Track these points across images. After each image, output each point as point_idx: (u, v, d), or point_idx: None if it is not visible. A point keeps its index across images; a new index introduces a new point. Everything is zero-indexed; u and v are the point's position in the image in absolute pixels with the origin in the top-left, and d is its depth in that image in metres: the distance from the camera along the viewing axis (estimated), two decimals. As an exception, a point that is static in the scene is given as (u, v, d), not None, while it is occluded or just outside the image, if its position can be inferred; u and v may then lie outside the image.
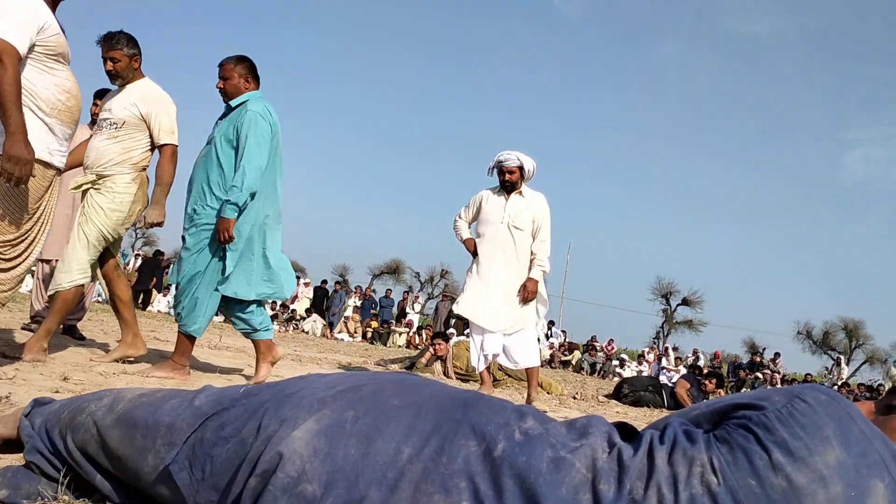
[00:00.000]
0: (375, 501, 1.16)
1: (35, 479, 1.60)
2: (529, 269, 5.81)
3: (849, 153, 62.98)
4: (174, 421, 1.45)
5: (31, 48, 3.23)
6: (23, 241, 3.38)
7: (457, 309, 6.03)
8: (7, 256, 3.32)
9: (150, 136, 4.56)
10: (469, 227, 6.15)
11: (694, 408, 1.26)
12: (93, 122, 6.05)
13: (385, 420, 1.28)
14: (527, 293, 5.72)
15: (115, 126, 4.50)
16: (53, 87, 3.38)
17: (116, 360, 4.63)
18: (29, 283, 19.16)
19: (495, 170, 5.93)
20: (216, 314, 4.61)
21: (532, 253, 5.81)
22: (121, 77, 4.54)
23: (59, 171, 3.54)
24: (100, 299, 18.46)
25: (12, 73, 3.09)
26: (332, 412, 1.31)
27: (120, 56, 4.49)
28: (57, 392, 3.20)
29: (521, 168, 5.84)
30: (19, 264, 3.38)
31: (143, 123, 4.51)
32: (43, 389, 3.21)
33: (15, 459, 1.85)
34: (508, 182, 5.87)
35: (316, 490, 1.21)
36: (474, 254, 5.97)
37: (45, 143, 3.36)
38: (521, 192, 5.91)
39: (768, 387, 19.61)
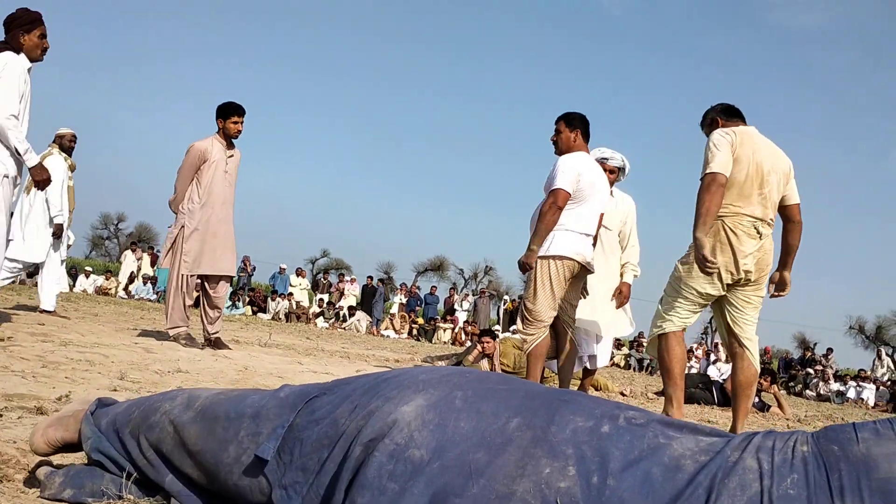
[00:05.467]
0: (482, 462, 1.21)
1: (98, 476, 1.61)
2: (622, 273, 5.78)
3: (899, 144, 61.31)
4: (259, 411, 1.47)
5: None
6: None
7: None
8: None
9: None
10: None
11: None
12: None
13: (494, 398, 1.33)
14: (622, 298, 5.70)
15: None
16: None
17: None
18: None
19: None
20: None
21: (622, 257, 5.79)
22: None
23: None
24: (146, 297, 18.80)
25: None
26: (438, 392, 1.36)
27: None
28: (115, 390, 3.25)
29: (621, 168, 5.77)
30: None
31: None
32: (101, 388, 3.26)
33: (75, 459, 1.87)
34: (609, 182, 5.74)
35: (424, 455, 1.25)
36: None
37: None
38: (611, 192, 5.79)
39: (821, 383, 19.23)
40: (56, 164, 7.21)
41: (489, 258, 41.06)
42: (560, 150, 4.98)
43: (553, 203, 4.76)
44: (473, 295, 25.78)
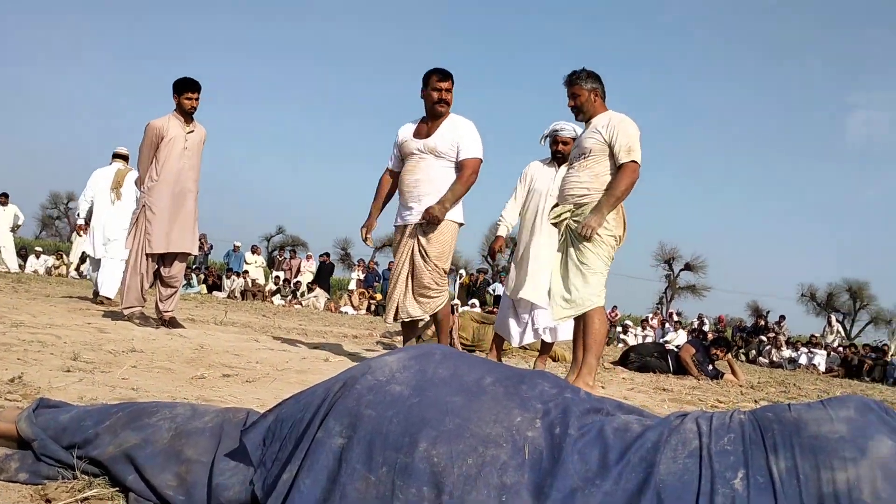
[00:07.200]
0: (459, 405, 1.29)
1: (52, 466, 1.59)
2: None
3: (852, 116, 62.54)
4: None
5: None
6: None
7: (508, 292, 5.97)
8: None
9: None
10: (525, 203, 5.99)
11: None
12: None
13: (469, 360, 1.44)
14: None
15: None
16: None
17: None
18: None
19: (548, 139, 5.83)
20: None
21: None
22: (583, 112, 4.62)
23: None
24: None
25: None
26: (418, 350, 1.45)
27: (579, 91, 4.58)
28: (68, 371, 3.20)
29: (575, 139, 5.74)
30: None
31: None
32: (54, 369, 3.21)
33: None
34: (560, 153, 5.74)
35: (404, 391, 1.33)
36: (491, 255, 6.04)
37: None
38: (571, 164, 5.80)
39: (773, 350, 19.67)
40: (132, 179, 8.29)
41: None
42: (447, 111, 5.05)
43: (475, 172, 5.00)
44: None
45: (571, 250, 4.42)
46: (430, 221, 4.88)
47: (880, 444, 1.12)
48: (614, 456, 1.21)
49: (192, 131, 6.22)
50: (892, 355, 17.87)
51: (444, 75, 5.01)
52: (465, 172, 4.95)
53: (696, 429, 1.24)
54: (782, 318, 22.83)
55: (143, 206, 6.10)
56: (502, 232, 5.99)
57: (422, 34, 69.46)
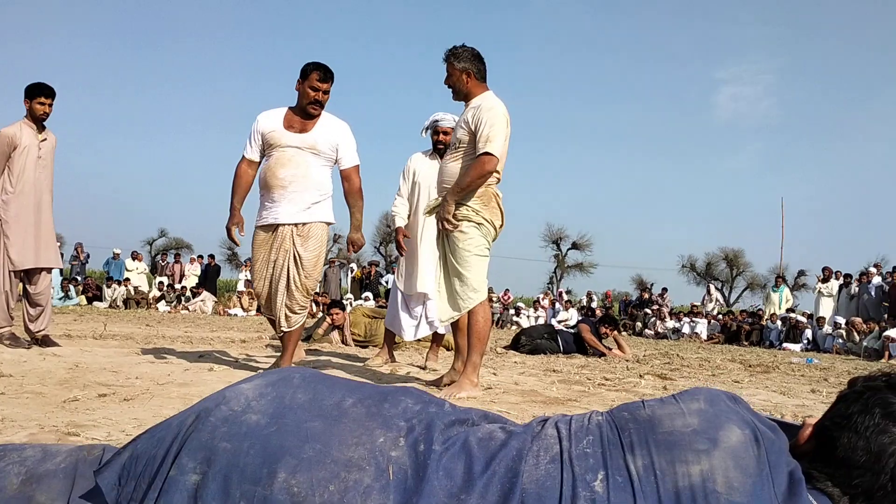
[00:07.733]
0: (318, 430, 1.25)
1: None
2: None
3: (719, 91, 65.25)
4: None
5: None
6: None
7: (402, 287, 5.89)
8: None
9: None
10: (411, 196, 5.86)
11: None
12: None
13: (329, 381, 1.40)
14: None
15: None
16: None
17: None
18: None
19: (429, 130, 5.76)
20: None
21: None
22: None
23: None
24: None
25: None
26: (276, 376, 1.39)
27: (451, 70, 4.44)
28: (-77, 407, 2.98)
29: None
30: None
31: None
32: None
33: None
34: (442, 143, 5.67)
35: (261, 420, 1.27)
36: (399, 247, 5.58)
37: None
38: None
39: (658, 322, 20.41)
40: None
41: (336, 227, 40.75)
42: (320, 113, 4.88)
43: (360, 179, 5.01)
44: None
45: (446, 247, 4.34)
46: (357, 251, 4.99)
47: (730, 432, 1.17)
48: (479, 467, 1.20)
49: (45, 139, 5.91)
50: (766, 319, 18.77)
51: (326, 75, 4.77)
52: (357, 184, 4.93)
53: (556, 434, 1.26)
54: (665, 290, 23.68)
55: (0, 220, 5.76)
56: (400, 223, 5.77)
57: (303, 23, 68.40)
